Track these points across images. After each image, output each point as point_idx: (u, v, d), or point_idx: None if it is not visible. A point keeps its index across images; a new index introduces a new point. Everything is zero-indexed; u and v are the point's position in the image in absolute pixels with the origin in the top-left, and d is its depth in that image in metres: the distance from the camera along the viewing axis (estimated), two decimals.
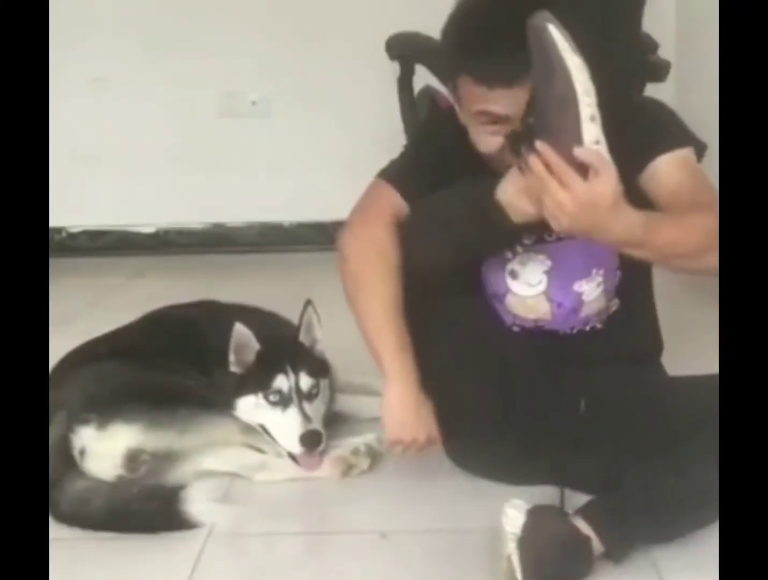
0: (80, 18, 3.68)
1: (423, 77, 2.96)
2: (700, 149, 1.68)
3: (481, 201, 1.56)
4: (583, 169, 1.38)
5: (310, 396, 1.88)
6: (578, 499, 1.63)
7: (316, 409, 1.89)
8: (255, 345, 1.89)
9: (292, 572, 1.61)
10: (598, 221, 1.41)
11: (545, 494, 1.70)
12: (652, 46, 2.79)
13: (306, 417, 1.84)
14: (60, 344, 1.93)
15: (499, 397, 1.75)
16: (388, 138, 2.86)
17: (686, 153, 1.66)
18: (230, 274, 3.62)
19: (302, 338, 1.96)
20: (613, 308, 1.78)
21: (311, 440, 1.83)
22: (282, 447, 1.87)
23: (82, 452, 1.81)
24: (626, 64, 2.53)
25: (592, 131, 1.38)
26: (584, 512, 1.54)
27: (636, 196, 1.52)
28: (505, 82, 1.54)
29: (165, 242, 4.03)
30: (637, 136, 1.53)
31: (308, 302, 1.98)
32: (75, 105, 3.72)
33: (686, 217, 1.49)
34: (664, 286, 1.89)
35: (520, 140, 1.47)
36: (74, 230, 4.01)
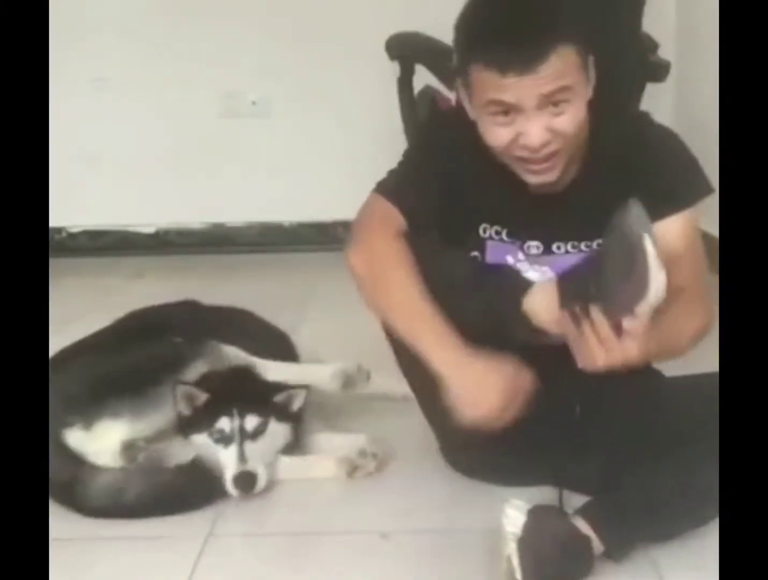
0: (80, 18, 3.68)
1: (423, 77, 2.96)
2: (707, 191, 1.68)
3: (505, 309, 1.63)
4: (618, 323, 1.48)
5: (255, 434, 1.85)
6: (578, 499, 1.63)
7: (259, 448, 1.85)
8: (202, 396, 1.87)
9: (292, 573, 1.61)
10: (622, 365, 1.51)
11: (545, 494, 1.70)
12: (652, 46, 2.79)
13: (242, 458, 1.81)
14: (60, 344, 1.93)
15: None
16: (388, 138, 2.86)
17: (691, 214, 1.67)
18: (230, 274, 3.62)
19: (278, 399, 1.91)
20: None
21: (243, 482, 1.80)
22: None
23: (79, 453, 1.82)
24: (626, 64, 2.53)
25: (645, 313, 1.50)
26: (584, 511, 1.54)
27: None
28: (517, 69, 1.52)
29: (165, 242, 4.03)
30: (645, 189, 1.56)
31: (305, 387, 1.93)
32: (75, 105, 3.72)
33: (680, 323, 1.59)
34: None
35: (575, 297, 1.55)
36: (74, 230, 4.01)
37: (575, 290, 1.57)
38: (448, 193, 1.70)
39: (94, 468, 1.81)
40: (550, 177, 1.63)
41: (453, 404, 1.57)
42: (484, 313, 1.63)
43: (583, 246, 1.69)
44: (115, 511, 1.76)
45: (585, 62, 1.58)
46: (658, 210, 1.61)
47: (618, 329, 1.48)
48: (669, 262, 1.60)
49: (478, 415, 1.56)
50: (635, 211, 1.50)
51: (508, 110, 1.57)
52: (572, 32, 1.55)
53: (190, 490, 1.79)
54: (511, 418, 1.58)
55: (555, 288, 1.61)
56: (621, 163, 1.66)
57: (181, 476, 1.81)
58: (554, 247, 1.70)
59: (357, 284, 1.71)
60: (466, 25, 1.61)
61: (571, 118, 1.57)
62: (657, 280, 1.48)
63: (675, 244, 1.63)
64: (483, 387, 1.56)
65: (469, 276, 1.67)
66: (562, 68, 1.54)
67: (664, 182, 1.64)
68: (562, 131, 1.58)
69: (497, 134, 1.60)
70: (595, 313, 1.49)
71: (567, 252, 1.70)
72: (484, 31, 1.57)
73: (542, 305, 1.61)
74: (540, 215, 1.68)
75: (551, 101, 1.55)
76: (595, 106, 1.65)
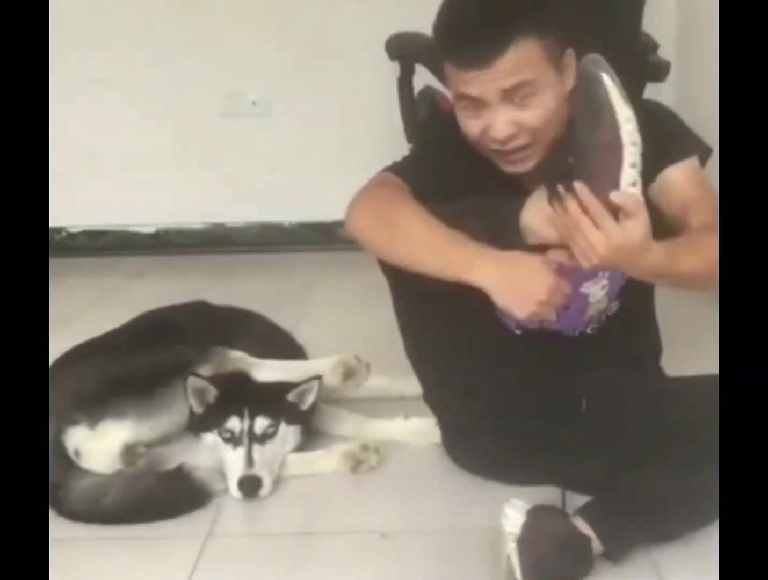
0: (80, 18, 3.68)
1: (423, 77, 2.96)
2: (706, 154, 1.69)
3: (502, 220, 1.57)
4: (615, 210, 1.41)
5: (264, 438, 1.86)
6: (579, 500, 1.63)
7: (267, 451, 1.86)
8: (213, 390, 1.88)
9: (292, 572, 1.62)
10: (626, 260, 1.45)
11: (547, 494, 1.70)
12: (652, 46, 2.79)
13: (249, 462, 1.82)
14: (60, 344, 1.93)
15: (500, 398, 1.75)
16: (388, 138, 2.86)
17: (693, 162, 1.68)
18: (230, 274, 3.62)
19: (291, 396, 1.93)
20: (613, 310, 1.78)
21: (248, 486, 1.81)
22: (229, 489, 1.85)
23: (77, 453, 1.82)
24: (626, 64, 2.53)
25: (630, 176, 1.42)
26: (584, 511, 1.54)
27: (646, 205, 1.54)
28: (474, 64, 1.57)
29: (165, 242, 4.03)
30: (645, 146, 1.54)
31: (318, 378, 1.95)
32: (75, 105, 3.72)
33: (701, 242, 1.50)
34: (665, 287, 1.89)
35: (557, 176, 1.49)
36: (74, 230, 4.01)
37: (555, 167, 1.52)
38: (447, 192, 1.70)
39: (81, 472, 1.81)
40: (524, 167, 1.65)
41: (504, 309, 1.57)
42: (481, 233, 1.58)
43: None
44: (92, 516, 1.75)
45: (554, 55, 1.59)
46: (656, 164, 1.63)
47: (615, 214, 1.41)
48: (680, 212, 1.62)
49: (530, 311, 1.54)
50: (591, 56, 1.45)
51: (476, 104, 1.60)
52: (533, 25, 1.57)
53: (167, 499, 1.78)
54: (559, 304, 1.56)
55: (540, 199, 1.54)
56: None
57: (160, 484, 1.79)
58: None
59: (365, 240, 1.69)
60: (437, 25, 1.65)
61: (536, 113, 1.60)
62: (625, 117, 1.40)
63: (681, 191, 1.64)
64: (525, 284, 1.53)
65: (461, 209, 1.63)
66: (522, 62, 1.56)
67: (657, 140, 1.61)
68: (528, 125, 1.60)
69: (469, 126, 1.64)
70: (579, 186, 1.42)
71: None
72: (447, 29, 1.62)
73: (539, 217, 1.55)
74: None
75: (515, 95, 1.58)
76: None
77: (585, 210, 1.42)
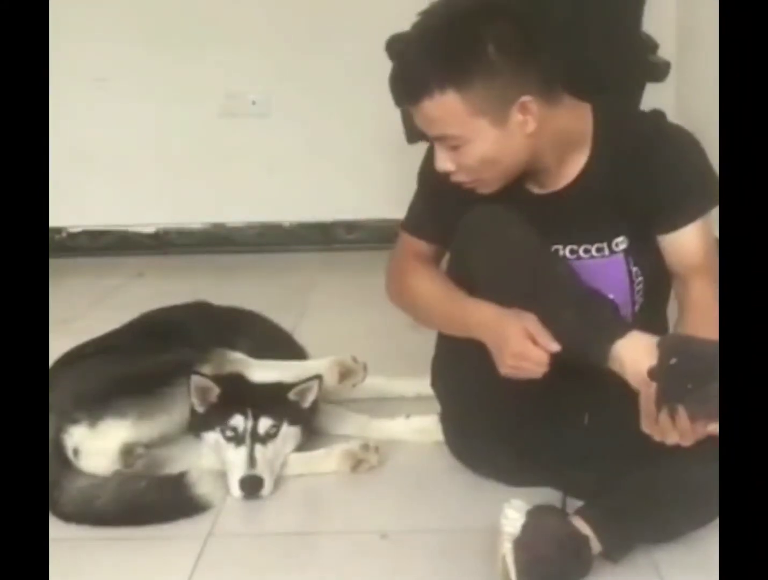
0: (81, 18, 3.69)
1: None
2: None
3: (595, 329, 1.55)
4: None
5: (266, 438, 1.86)
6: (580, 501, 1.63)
7: (269, 451, 1.86)
8: (216, 389, 1.88)
9: (292, 572, 1.61)
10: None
11: (547, 494, 1.70)
12: (652, 46, 2.79)
13: (252, 461, 1.82)
14: (60, 344, 1.93)
15: (504, 407, 1.73)
16: (388, 138, 2.86)
17: (706, 221, 1.67)
18: (230, 274, 3.63)
19: (292, 395, 1.93)
20: None
21: (249, 486, 1.81)
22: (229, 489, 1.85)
23: (76, 452, 1.81)
24: (626, 64, 2.53)
25: None
26: (582, 511, 1.54)
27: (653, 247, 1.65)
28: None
29: (165, 242, 4.03)
30: (666, 196, 1.59)
31: (318, 377, 1.95)
32: (75, 105, 3.72)
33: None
34: None
35: (668, 394, 1.44)
36: (74, 230, 4.01)
37: (676, 380, 1.44)
38: (457, 202, 1.69)
39: (77, 473, 1.80)
40: (482, 191, 1.66)
41: (495, 358, 1.62)
42: (572, 331, 1.57)
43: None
44: (83, 518, 1.75)
45: (487, 107, 1.55)
46: (674, 220, 1.64)
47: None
48: (684, 267, 1.65)
49: (504, 372, 1.61)
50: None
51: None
52: (451, 80, 1.54)
53: (159, 504, 1.77)
54: (534, 371, 1.59)
55: (652, 349, 1.47)
56: (629, 166, 1.64)
57: (153, 488, 1.78)
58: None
59: (401, 309, 1.84)
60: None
61: (470, 157, 1.60)
62: None
63: (692, 251, 1.65)
64: (501, 344, 1.60)
65: (568, 281, 1.61)
66: (442, 117, 1.57)
67: (679, 190, 1.63)
68: (464, 165, 1.61)
69: (436, 160, 1.66)
70: (683, 417, 1.42)
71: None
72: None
73: (635, 356, 1.50)
74: (539, 215, 1.66)
75: (444, 143, 1.61)
76: (595, 109, 1.67)
77: (673, 419, 1.43)
